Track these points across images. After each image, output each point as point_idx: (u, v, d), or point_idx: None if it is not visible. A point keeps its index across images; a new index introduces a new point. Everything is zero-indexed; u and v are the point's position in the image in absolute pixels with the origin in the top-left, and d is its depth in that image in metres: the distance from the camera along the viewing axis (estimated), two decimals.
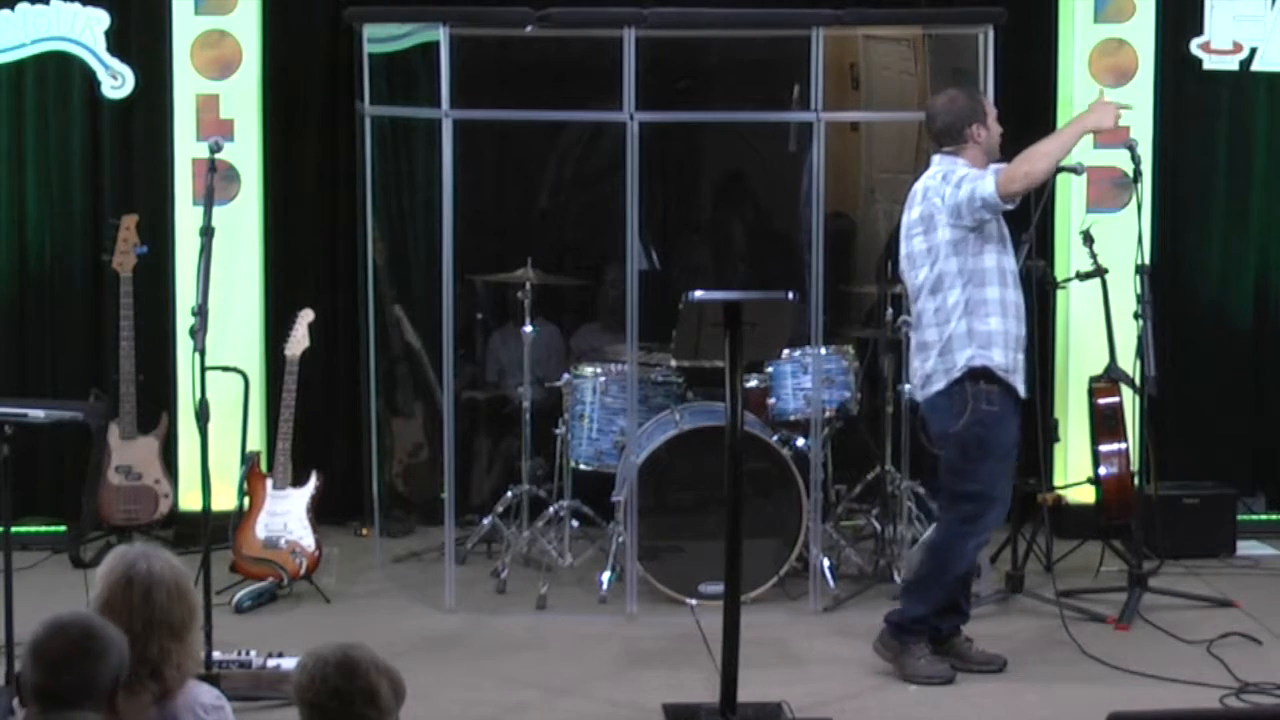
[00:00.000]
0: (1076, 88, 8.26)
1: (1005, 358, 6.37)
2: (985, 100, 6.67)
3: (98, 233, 8.33)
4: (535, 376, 8.06)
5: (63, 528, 8.28)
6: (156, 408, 8.10)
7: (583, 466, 7.78)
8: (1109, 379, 7.74)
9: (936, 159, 6.52)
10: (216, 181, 6.90)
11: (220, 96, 8.11)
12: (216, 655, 6.19)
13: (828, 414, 7.61)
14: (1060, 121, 8.33)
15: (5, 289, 8.45)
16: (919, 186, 6.49)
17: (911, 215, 6.47)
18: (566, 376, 7.87)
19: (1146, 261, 7.23)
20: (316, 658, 3.64)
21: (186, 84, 8.12)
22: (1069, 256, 8.16)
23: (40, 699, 3.47)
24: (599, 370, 7.79)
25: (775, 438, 7.54)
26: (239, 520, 7.53)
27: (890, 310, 7.72)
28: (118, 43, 8.32)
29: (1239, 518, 8.36)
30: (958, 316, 6.36)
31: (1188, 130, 8.65)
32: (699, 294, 6.02)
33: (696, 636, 6.96)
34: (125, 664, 3.55)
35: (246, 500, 7.57)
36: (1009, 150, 6.38)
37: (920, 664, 6.48)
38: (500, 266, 8.20)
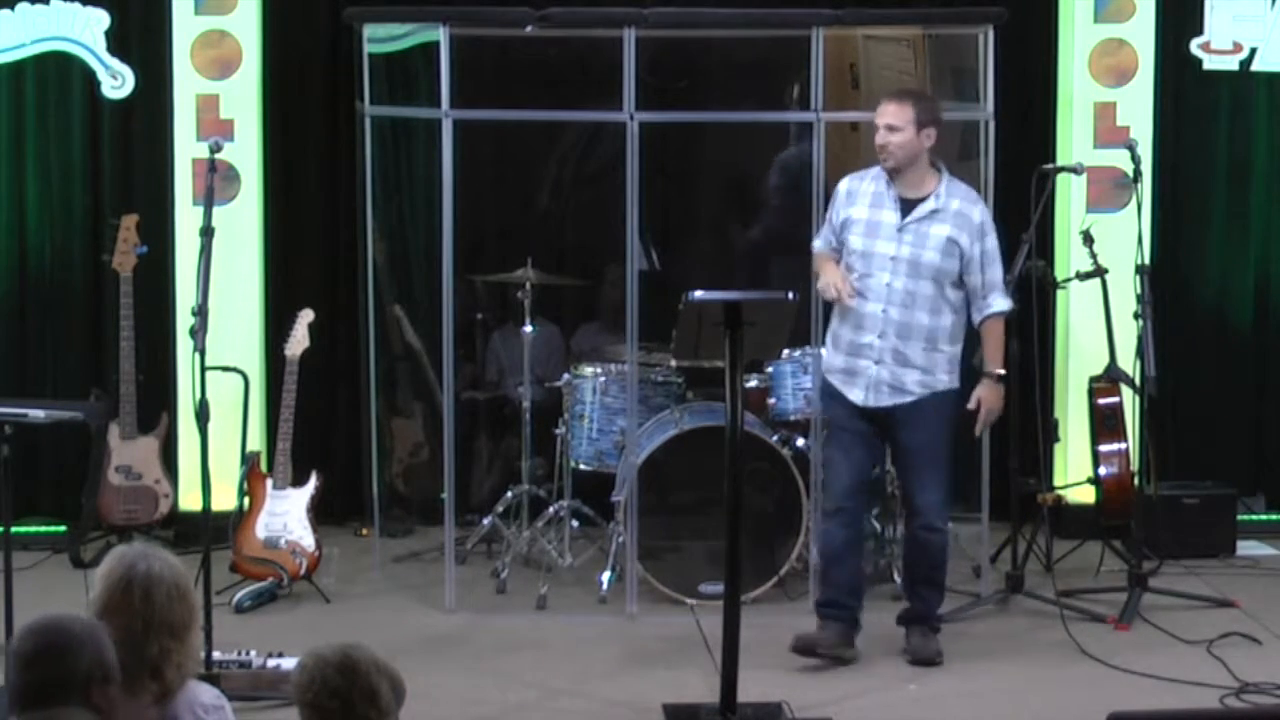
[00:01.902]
0: (1076, 88, 8.26)
1: (831, 359, 6.78)
2: (880, 110, 6.75)
3: (98, 233, 8.32)
4: (535, 376, 8.05)
5: (63, 528, 8.28)
6: (156, 408, 8.10)
7: (583, 466, 7.78)
8: (1109, 379, 7.73)
9: None
10: (216, 181, 6.89)
11: (220, 96, 8.10)
12: (216, 655, 6.19)
13: None
14: (1060, 122, 8.36)
15: (5, 289, 8.45)
16: None
17: None
18: (566, 376, 7.87)
19: (1146, 261, 7.24)
20: (316, 658, 3.64)
21: (186, 84, 8.12)
22: (1069, 256, 8.15)
23: (18, 699, 3.46)
24: (599, 370, 7.79)
25: (775, 438, 7.54)
26: (239, 520, 7.53)
27: None
28: (118, 43, 8.31)
29: (1239, 518, 8.35)
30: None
31: (1188, 130, 8.64)
32: (699, 294, 6.02)
33: (696, 636, 6.96)
34: (104, 662, 3.50)
35: (246, 500, 7.57)
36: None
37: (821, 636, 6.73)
38: (500, 266, 8.21)
